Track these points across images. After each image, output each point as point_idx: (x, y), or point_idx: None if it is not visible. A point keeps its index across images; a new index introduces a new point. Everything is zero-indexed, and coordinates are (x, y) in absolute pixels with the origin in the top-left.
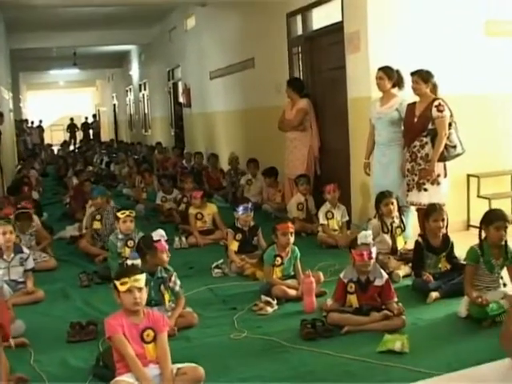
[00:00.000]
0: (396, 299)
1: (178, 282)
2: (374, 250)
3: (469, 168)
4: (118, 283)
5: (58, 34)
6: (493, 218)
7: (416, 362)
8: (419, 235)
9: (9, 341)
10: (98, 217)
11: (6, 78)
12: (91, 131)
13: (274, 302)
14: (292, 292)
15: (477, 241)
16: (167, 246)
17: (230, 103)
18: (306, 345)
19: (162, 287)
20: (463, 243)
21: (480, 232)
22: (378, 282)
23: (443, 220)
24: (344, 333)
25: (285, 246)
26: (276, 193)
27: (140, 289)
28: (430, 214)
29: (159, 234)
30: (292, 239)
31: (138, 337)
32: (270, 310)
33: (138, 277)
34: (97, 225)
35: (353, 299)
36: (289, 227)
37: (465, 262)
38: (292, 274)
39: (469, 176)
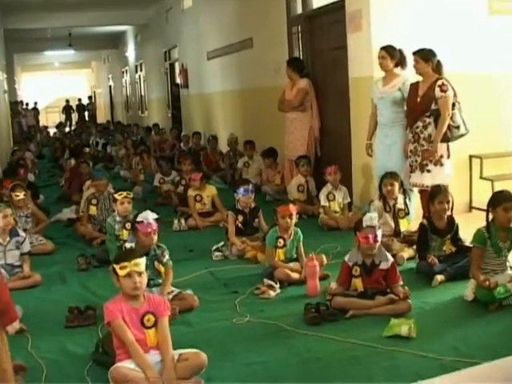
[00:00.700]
0: (401, 283)
1: (167, 256)
2: (379, 233)
3: (471, 149)
4: (117, 267)
5: (53, 14)
6: (501, 199)
7: (423, 346)
8: (423, 217)
9: (16, 322)
10: (94, 201)
11: None
12: (86, 113)
13: (277, 286)
14: (295, 275)
15: (479, 223)
16: (155, 228)
17: (227, 84)
18: (310, 329)
19: (156, 263)
20: (466, 225)
21: (487, 214)
22: (384, 266)
23: (448, 202)
24: (349, 317)
25: (286, 228)
26: (275, 174)
27: (140, 273)
28: (435, 195)
29: (144, 216)
30: (293, 222)
31: (138, 322)
32: (272, 293)
33: (137, 261)
34: (92, 210)
35: (358, 283)
36: (289, 210)
37: (470, 245)
38: (295, 256)
39: (471, 157)
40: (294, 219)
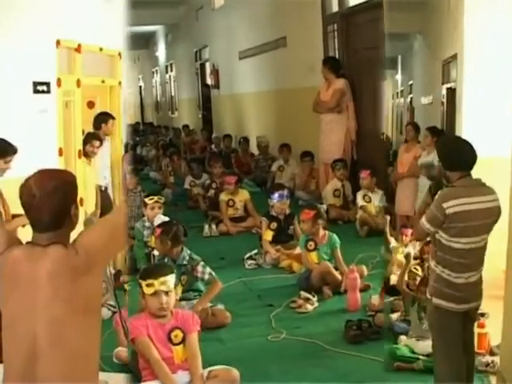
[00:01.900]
0: None
1: (208, 270)
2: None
3: None
4: (143, 284)
5: None
6: None
7: None
8: None
9: None
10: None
11: None
12: None
13: (315, 299)
14: (334, 274)
15: None
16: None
17: (260, 84)
18: (351, 349)
19: (183, 277)
20: None
21: None
22: None
23: None
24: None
25: (310, 232)
26: (310, 179)
27: (167, 292)
28: None
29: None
30: (318, 226)
31: (164, 338)
32: (310, 307)
33: (165, 278)
34: None
35: None
36: (305, 214)
37: None
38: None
39: None
40: (319, 223)
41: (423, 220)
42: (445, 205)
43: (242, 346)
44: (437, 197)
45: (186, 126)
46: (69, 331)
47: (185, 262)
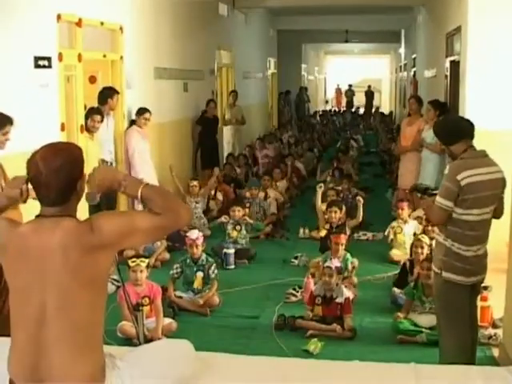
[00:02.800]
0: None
1: (216, 271)
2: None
3: None
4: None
5: (330, 17)
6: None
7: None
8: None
9: None
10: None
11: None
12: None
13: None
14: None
15: None
16: (198, 242)
17: None
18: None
19: (199, 274)
20: None
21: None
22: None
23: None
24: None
25: (336, 252)
26: None
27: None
28: None
29: (190, 233)
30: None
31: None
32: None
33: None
34: None
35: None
36: (340, 239)
37: None
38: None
39: None
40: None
41: (439, 199)
42: (458, 177)
43: None
44: (447, 171)
45: None
46: (75, 301)
47: (203, 263)
